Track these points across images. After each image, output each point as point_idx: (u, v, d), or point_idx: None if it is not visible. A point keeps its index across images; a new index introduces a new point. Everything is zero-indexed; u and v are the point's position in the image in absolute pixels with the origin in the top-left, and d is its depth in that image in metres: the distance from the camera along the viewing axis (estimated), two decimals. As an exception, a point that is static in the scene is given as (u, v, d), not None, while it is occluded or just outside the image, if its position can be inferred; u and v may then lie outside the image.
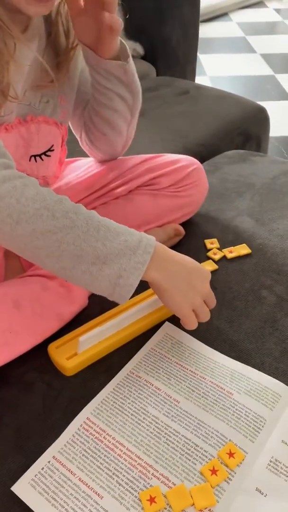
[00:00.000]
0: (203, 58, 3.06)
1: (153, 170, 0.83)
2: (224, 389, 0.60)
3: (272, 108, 2.19)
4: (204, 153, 1.19)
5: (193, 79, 1.81)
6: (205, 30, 3.41)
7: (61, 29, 0.68)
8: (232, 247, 0.82)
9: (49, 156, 0.74)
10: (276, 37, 3.44)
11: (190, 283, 0.61)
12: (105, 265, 0.55)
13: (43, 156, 0.73)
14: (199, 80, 2.07)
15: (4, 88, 0.60)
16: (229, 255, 0.81)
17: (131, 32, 1.61)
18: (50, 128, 0.72)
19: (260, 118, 1.36)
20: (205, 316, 0.64)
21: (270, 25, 3.57)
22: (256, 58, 3.09)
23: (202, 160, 1.07)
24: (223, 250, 0.82)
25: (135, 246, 0.56)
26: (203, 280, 0.63)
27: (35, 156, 0.72)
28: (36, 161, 0.73)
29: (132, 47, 1.61)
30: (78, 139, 0.84)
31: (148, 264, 0.56)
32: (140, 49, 1.62)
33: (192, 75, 1.79)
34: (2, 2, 0.56)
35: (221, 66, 2.93)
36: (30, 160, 0.72)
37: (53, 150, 0.74)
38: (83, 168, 0.85)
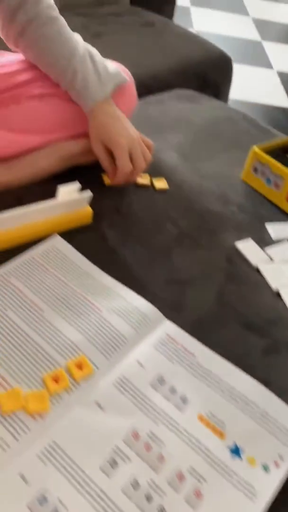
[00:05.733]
0: (193, 10, 2.94)
1: None
2: (94, 305, 0.57)
3: (250, 72, 2.13)
4: (154, 87, 1.13)
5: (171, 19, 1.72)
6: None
7: None
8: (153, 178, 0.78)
9: None
10: (274, 5, 3.33)
11: None
12: None
13: None
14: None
15: None
16: (140, 181, 0.77)
17: None
18: None
19: (222, 66, 1.30)
20: None
21: (270, -9, 3.46)
22: (247, 21, 2.99)
23: (150, 94, 1.02)
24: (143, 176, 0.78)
25: None
26: None
27: None
28: None
29: None
30: None
31: None
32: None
33: (169, 14, 1.69)
34: None
35: (210, 22, 2.82)
36: None
37: None
38: None
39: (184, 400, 0.50)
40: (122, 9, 1.39)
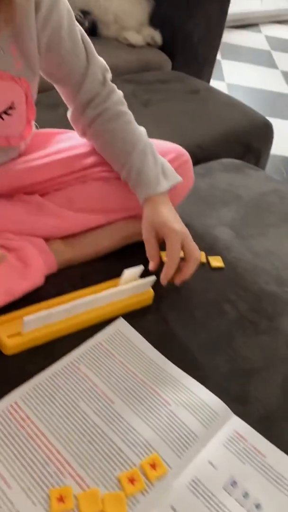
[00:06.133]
0: (224, 64, 3.03)
1: None
2: (163, 398, 0.58)
3: (281, 126, 2.17)
4: (200, 155, 1.16)
5: (209, 80, 1.78)
6: (233, 37, 3.38)
7: None
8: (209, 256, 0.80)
9: (11, 115, 0.68)
10: (301, 58, 3.41)
11: None
12: None
13: (3, 115, 0.68)
14: (216, 84, 2.04)
15: None
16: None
17: (155, 20, 1.59)
18: (8, 84, 0.66)
19: (265, 132, 1.33)
20: None
21: (298, 44, 3.55)
22: (276, 74, 3.07)
23: (196, 163, 1.05)
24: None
25: None
26: None
27: None
28: None
29: (151, 34, 1.58)
30: (69, 109, 0.79)
31: None
32: (158, 38, 1.59)
33: (207, 77, 1.76)
34: None
35: (240, 75, 2.91)
36: None
37: (14, 108, 0.68)
38: (67, 143, 0.81)
39: (257, 506, 0.50)
40: (165, 76, 1.44)
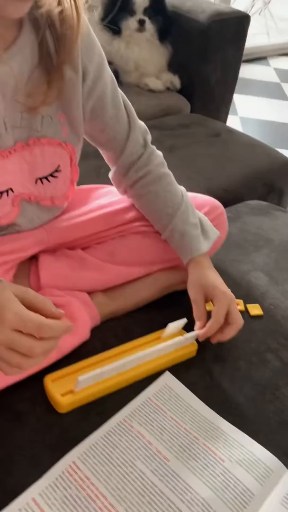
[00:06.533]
0: (236, 98, 3.10)
1: None
2: (216, 454, 0.59)
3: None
4: (226, 198, 1.18)
5: (226, 119, 1.83)
6: (242, 71, 3.45)
7: (49, 40, 0.61)
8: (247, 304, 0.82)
9: (56, 177, 0.72)
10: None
11: None
12: None
13: (49, 178, 0.71)
14: (230, 119, 2.09)
15: None
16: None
17: (173, 65, 1.65)
18: (55, 149, 0.69)
19: (286, 171, 1.36)
20: (17, 364, 0.51)
21: (307, 75, 3.63)
22: (287, 105, 3.13)
23: (223, 206, 1.07)
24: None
25: None
26: None
27: (41, 178, 0.71)
28: (42, 183, 0.71)
29: (170, 79, 1.64)
30: (111, 169, 0.82)
31: None
32: (177, 83, 1.64)
33: (225, 115, 1.81)
34: None
35: (252, 108, 2.97)
36: (36, 183, 0.70)
37: (60, 171, 0.72)
38: (107, 199, 0.84)
39: None
40: (186, 120, 1.49)
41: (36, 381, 0.64)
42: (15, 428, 0.60)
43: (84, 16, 0.62)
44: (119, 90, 0.74)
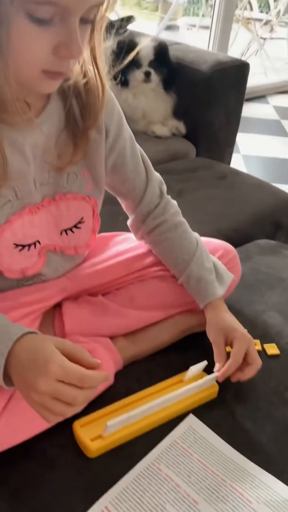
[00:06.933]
0: (238, 136, 3.19)
1: None
2: (244, 496, 0.60)
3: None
4: (235, 238, 1.23)
5: (230, 160, 1.90)
6: (243, 110, 3.58)
7: (75, 106, 0.67)
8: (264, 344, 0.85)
9: (80, 228, 0.77)
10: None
11: (25, 380, 0.56)
12: None
13: (73, 229, 0.76)
14: (233, 157, 2.17)
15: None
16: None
17: (178, 112, 1.73)
18: (79, 202, 0.75)
19: (292, 209, 1.41)
20: (61, 412, 0.55)
21: (305, 112, 3.74)
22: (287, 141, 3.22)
23: (233, 246, 1.11)
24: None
25: None
26: (36, 375, 0.54)
27: (66, 229, 0.75)
28: (67, 234, 0.76)
29: (175, 125, 1.71)
30: (129, 217, 0.86)
31: (7, 365, 0.57)
32: (182, 129, 1.72)
33: (229, 156, 1.88)
34: (18, 82, 0.56)
35: (254, 146, 3.06)
36: (61, 234, 0.75)
37: (83, 222, 0.77)
38: (124, 245, 0.89)
39: None
40: (193, 164, 1.56)
41: (65, 426, 0.67)
42: (49, 474, 0.62)
43: (107, 84, 0.68)
44: (137, 144, 0.80)
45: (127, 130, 0.77)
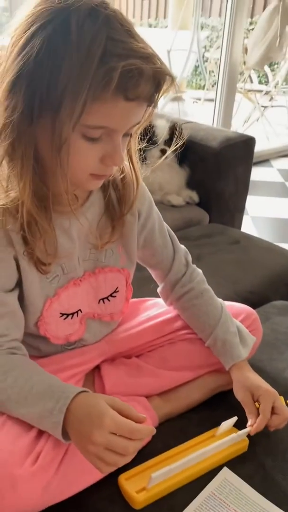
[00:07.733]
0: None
1: None
2: None
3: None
4: (253, 299, 1.32)
5: (241, 224, 2.03)
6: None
7: (113, 196, 0.79)
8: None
9: (115, 296, 0.87)
10: None
11: (81, 434, 0.63)
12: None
13: (110, 298, 0.86)
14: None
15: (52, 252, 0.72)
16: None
17: (191, 183, 1.88)
18: (115, 274, 0.85)
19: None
20: (114, 462, 0.62)
21: (308, 173, 3.93)
22: (293, 203, 3.37)
23: (251, 307, 1.20)
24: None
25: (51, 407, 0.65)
26: (92, 428, 0.61)
27: (103, 298, 0.85)
28: (104, 302, 0.86)
29: (189, 195, 1.86)
30: (158, 285, 0.96)
31: (65, 421, 0.64)
32: (196, 198, 1.86)
33: (239, 221, 2.01)
34: (71, 182, 0.66)
35: (261, 208, 3.21)
36: (99, 303, 0.85)
37: (118, 291, 0.87)
38: (154, 310, 0.98)
39: None
40: (207, 230, 1.68)
41: (111, 480, 0.73)
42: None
43: (140, 178, 0.80)
44: (164, 222, 0.91)
45: (156, 211, 0.89)
